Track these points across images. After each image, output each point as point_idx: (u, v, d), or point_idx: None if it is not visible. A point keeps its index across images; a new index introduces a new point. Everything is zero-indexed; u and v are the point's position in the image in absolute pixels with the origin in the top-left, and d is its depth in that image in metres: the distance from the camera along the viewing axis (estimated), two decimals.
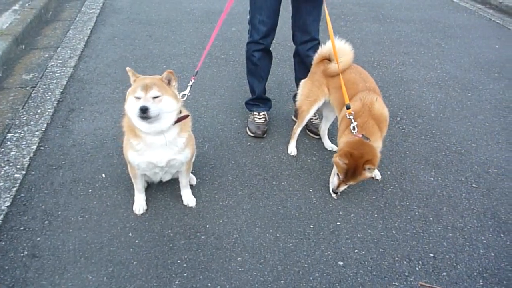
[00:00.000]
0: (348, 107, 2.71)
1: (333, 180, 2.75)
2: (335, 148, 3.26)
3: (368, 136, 2.64)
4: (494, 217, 2.74)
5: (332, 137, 3.32)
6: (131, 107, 2.22)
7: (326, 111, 3.22)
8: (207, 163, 3.06)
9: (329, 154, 3.23)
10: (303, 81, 3.15)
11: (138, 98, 2.19)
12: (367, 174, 2.60)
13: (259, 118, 3.43)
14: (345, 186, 2.72)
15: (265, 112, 3.50)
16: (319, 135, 3.37)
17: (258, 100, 3.49)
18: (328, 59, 2.97)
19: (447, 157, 3.28)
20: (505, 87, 4.39)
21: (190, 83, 2.66)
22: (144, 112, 2.14)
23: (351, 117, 2.69)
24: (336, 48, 2.88)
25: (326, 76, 2.97)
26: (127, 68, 2.30)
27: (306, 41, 3.18)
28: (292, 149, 3.23)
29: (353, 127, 2.65)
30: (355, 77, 2.87)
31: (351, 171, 2.58)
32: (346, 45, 2.90)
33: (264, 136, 3.38)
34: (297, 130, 3.21)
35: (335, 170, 2.73)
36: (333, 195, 2.81)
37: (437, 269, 2.36)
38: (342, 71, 2.86)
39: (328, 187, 2.87)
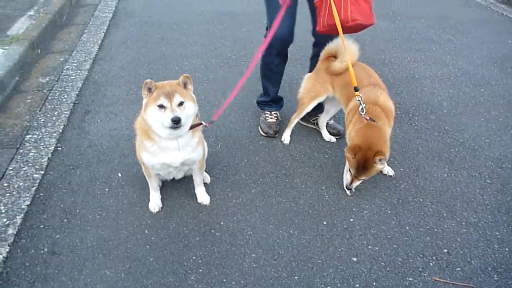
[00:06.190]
0: (356, 90, 2.72)
1: (346, 176, 2.77)
2: (333, 139, 3.37)
3: (375, 119, 2.65)
4: (509, 212, 2.73)
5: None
6: (157, 117, 2.21)
7: (328, 105, 3.28)
8: (220, 162, 3.10)
9: (342, 152, 3.24)
10: (307, 75, 3.19)
11: (162, 106, 2.19)
12: (379, 167, 2.61)
13: (271, 118, 3.45)
14: (358, 182, 2.74)
15: (277, 112, 3.52)
16: (338, 135, 3.40)
17: (271, 101, 3.50)
18: (334, 56, 2.98)
19: (460, 153, 3.28)
20: None
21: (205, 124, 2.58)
22: (177, 123, 2.17)
23: (359, 99, 2.69)
24: (343, 45, 2.88)
25: (330, 74, 3.00)
26: (147, 80, 2.24)
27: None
28: (286, 137, 3.33)
29: (362, 108, 2.66)
30: (360, 73, 2.88)
31: (362, 165, 2.60)
32: (354, 45, 2.91)
33: (276, 136, 3.39)
34: (295, 120, 3.30)
35: (347, 165, 2.75)
36: (347, 192, 2.83)
37: (451, 264, 2.37)
38: (345, 68, 2.88)
39: (341, 184, 2.89)
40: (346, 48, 2.78)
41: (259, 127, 3.47)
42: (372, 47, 5.05)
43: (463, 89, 4.21)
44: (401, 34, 5.52)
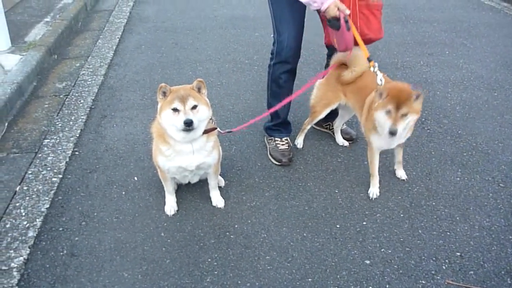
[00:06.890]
0: (370, 60, 2.73)
1: (385, 121, 2.53)
2: (346, 143, 3.38)
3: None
4: None
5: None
6: (171, 120, 2.29)
7: (342, 110, 3.28)
8: (234, 166, 3.15)
9: (354, 156, 3.27)
10: (319, 81, 3.18)
11: (176, 110, 2.26)
12: (416, 104, 2.47)
13: (282, 144, 3.22)
14: (403, 122, 2.50)
15: (287, 138, 3.29)
16: (351, 140, 3.42)
17: (281, 125, 3.28)
18: (345, 64, 2.98)
19: (473, 157, 3.28)
20: None
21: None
22: (189, 125, 2.23)
23: (375, 69, 2.69)
24: (353, 55, 2.85)
25: (342, 84, 3.01)
26: (162, 84, 2.33)
27: None
28: (299, 141, 3.37)
29: (380, 79, 2.65)
30: (373, 78, 2.85)
31: (399, 96, 2.46)
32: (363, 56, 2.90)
33: (291, 163, 3.16)
34: (307, 126, 3.32)
35: (371, 153, 2.84)
36: (391, 136, 2.54)
37: (464, 267, 2.37)
38: (355, 77, 2.92)
39: (354, 187, 2.92)
40: (366, 53, 2.78)
41: (269, 156, 3.22)
42: (384, 51, 5.07)
43: (476, 93, 4.21)
44: (414, 38, 5.53)
